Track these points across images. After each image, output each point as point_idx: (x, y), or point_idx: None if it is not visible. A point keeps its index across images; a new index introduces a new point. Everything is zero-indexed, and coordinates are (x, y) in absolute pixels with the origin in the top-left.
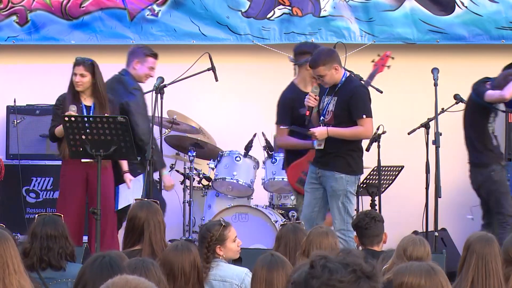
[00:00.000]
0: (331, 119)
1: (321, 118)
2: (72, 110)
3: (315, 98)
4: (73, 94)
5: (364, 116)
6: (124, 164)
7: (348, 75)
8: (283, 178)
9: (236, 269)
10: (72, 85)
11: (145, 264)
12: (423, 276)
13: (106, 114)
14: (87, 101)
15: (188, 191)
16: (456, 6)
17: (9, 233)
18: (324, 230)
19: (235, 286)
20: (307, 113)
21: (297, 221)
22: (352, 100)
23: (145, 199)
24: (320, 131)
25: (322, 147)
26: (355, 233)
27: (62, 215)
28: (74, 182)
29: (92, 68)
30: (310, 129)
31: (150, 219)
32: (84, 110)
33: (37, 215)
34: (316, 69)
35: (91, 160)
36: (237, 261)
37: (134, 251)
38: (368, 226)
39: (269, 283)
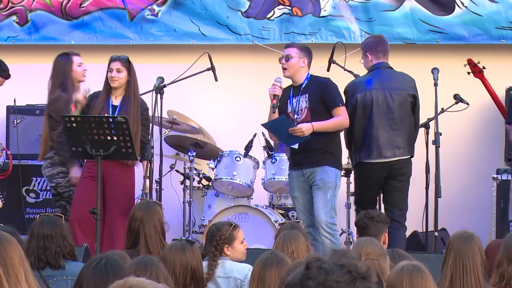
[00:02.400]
0: (307, 116)
1: (295, 117)
2: (83, 94)
3: (280, 87)
4: (107, 91)
5: (340, 104)
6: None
7: (311, 75)
8: (285, 178)
9: (239, 265)
10: (107, 82)
11: (151, 262)
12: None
13: (125, 115)
14: (117, 100)
15: (188, 191)
16: (456, 6)
17: (15, 233)
18: (293, 234)
19: (238, 281)
20: (274, 101)
21: (296, 220)
22: (326, 91)
23: (147, 199)
24: (307, 127)
25: (296, 146)
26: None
27: (62, 216)
28: (91, 182)
29: (128, 64)
30: (298, 125)
31: (146, 221)
32: (110, 109)
33: (38, 216)
34: (289, 48)
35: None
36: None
37: (134, 252)
38: (366, 226)
39: (261, 279)
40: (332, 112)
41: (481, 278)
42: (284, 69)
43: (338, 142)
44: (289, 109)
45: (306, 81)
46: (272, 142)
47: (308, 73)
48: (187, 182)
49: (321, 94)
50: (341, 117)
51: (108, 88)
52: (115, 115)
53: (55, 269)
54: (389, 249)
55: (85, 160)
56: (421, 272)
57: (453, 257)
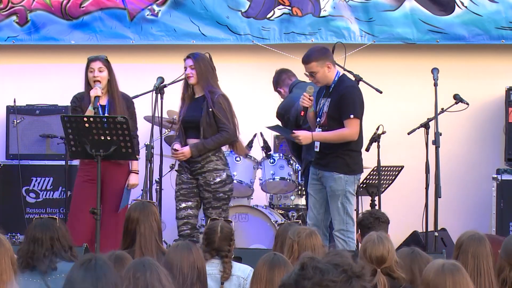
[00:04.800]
0: (325, 121)
1: (317, 119)
2: (99, 87)
3: (309, 99)
4: (89, 93)
5: (352, 116)
6: (134, 164)
7: (341, 74)
8: (280, 178)
9: (241, 266)
10: (88, 84)
11: (149, 262)
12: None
13: (113, 113)
14: (103, 99)
15: None
16: (456, 6)
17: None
18: (312, 230)
19: (241, 279)
20: (302, 113)
21: (295, 221)
22: (342, 99)
23: (142, 200)
24: (304, 135)
25: (317, 149)
26: (358, 232)
27: (57, 218)
28: (89, 186)
29: (108, 63)
30: (294, 132)
31: (142, 221)
32: (100, 110)
33: (34, 218)
34: (308, 65)
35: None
36: (236, 261)
37: (130, 252)
38: (372, 226)
39: (269, 281)
40: (343, 123)
41: (494, 280)
42: (316, 83)
43: (351, 147)
44: (316, 109)
45: (333, 84)
46: (271, 143)
47: (338, 73)
48: None
49: (339, 102)
50: (345, 130)
51: (91, 89)
52: (105, 114)
53: (43, 274)
54: (408, 248)
55: (79, 162)
56: (462, 271)
57: (468, 258)
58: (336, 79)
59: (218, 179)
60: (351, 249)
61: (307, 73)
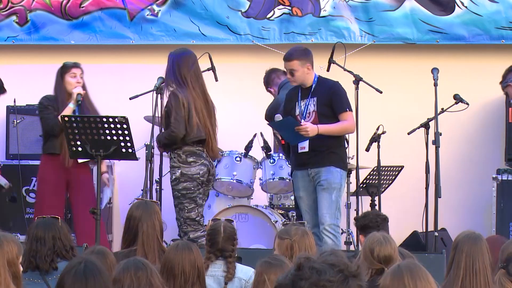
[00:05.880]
0: (315, 119)
1: (302, 121)
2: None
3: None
4: (66, 94)
5: (347, 109)
6: (103, 165)
7: (319, 76)
8: (279, 178)
9: (243, 268)
10: (62, 86)
11: (136, 264)
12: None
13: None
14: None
15: None
16: (456, 6)
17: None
18: (305, 229)
19: (243, 281)
20: (283, 141)
21: (301, 222)
22: (334, 95)
23: (144, 199)
24: (312, 128)
25: (306, 149)
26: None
27: (59, 218)
28: (55, 184)
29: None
30: (301, 124)
31: (144, 220)
32: (77, 109)
33: (36, 218)
34: (290, 62)
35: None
36: (236, 261)
37: (130, 252)
38: (377, 226)
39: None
40: (339, 116)
41: (490, 279)
42: (292, 81)
43: (342, 143)
44: (297, 112)
45: (314, 84)
46: (271, 143)
47: (315, 75)
48: None
49: (329, 98)
50: (347, 122)
51: (67, 91)
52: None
53: (44, 273)
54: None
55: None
56: (421, 269)
57: (464, 258)
58: (315, 80)
59: (173, 177)
60: (340, 244)
61: (286, 70)
